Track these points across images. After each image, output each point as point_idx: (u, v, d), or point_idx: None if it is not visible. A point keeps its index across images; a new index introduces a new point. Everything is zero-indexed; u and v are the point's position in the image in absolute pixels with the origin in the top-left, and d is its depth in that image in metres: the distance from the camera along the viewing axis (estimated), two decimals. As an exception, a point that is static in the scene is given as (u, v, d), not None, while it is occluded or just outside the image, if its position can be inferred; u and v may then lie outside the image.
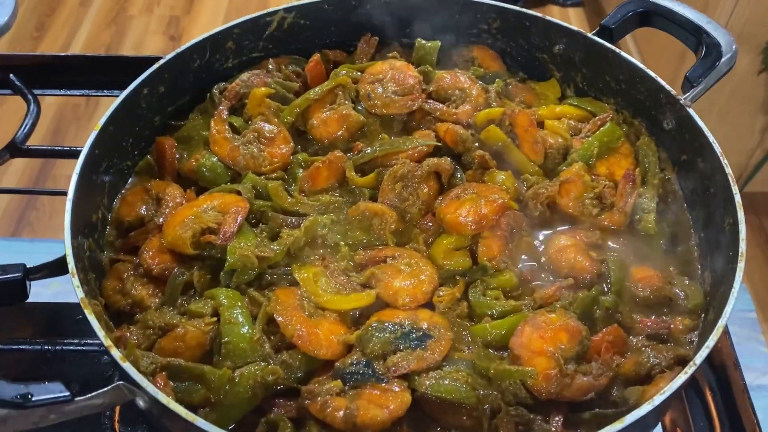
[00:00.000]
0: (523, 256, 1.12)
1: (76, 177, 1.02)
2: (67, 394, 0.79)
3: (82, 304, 0.88)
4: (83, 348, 1.17)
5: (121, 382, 0.83)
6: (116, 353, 0.84)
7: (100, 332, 0.86)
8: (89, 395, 0.81)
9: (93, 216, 1.09)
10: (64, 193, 1.01)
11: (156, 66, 1.20)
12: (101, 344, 1.17)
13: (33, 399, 0.77)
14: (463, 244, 1.12)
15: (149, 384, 0.81)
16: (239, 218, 1.07)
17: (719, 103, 2.60)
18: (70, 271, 0.91)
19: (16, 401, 0.76)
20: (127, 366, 0.82)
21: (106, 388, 0.82)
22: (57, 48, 3.92)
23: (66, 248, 0.94)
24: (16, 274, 0.91)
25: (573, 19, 4.07)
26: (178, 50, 1.24)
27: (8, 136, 1.41)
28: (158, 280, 1.07)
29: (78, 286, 0.90)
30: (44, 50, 3.88)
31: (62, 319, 1.24)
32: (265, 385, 0.93)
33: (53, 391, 0.79)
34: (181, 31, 4.24)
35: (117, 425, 1.07)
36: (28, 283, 0.95)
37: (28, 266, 0.95)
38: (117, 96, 1.43)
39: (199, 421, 0.79)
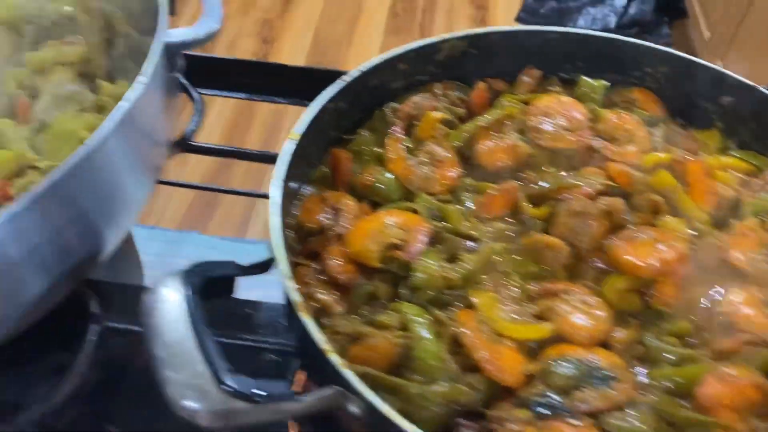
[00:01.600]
0: (696, 305, 1.12)
1: (280, 182, 1.07)
2: (292, 393, 0.83)
3: (298, 309, 0.92)
4: (255, 345, 1.21)
5: (339, 388, 0.86)
6: (335, 359, 0.87)
7: (319, 336, 0.89)
8: (312, 398, 0.84)
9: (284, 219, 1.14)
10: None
11: (344, 83, 1.25)
12: (276, 343, 1.22)
13: (266, 396, 0.81)
14: (635, 285, 1.13)
15: (370, 393, 0.84)
16: (425, 237, 1.11)
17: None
18: (285, 275, 0.95)
19: (254, 396, 0.80)
20: (348, 373, 0.86)
21: (326, 393, 0.85)
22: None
23: (277, 252, 0.98)
24: (233, 271, 0.95)
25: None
26: (363, 68, 1.29)
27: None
28: (339, 287, 1.11)
29: (294, 290, 0.94)
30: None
31: (227, 313, 1.28)
32: (456, 404, 0.96)
33: (280, 389, 0.82)
34: (274, 34, 4.34)
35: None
36: (236, 280, 0.99)
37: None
38: (280, 102, 1.50)
39: (420, 436, 0.82)
